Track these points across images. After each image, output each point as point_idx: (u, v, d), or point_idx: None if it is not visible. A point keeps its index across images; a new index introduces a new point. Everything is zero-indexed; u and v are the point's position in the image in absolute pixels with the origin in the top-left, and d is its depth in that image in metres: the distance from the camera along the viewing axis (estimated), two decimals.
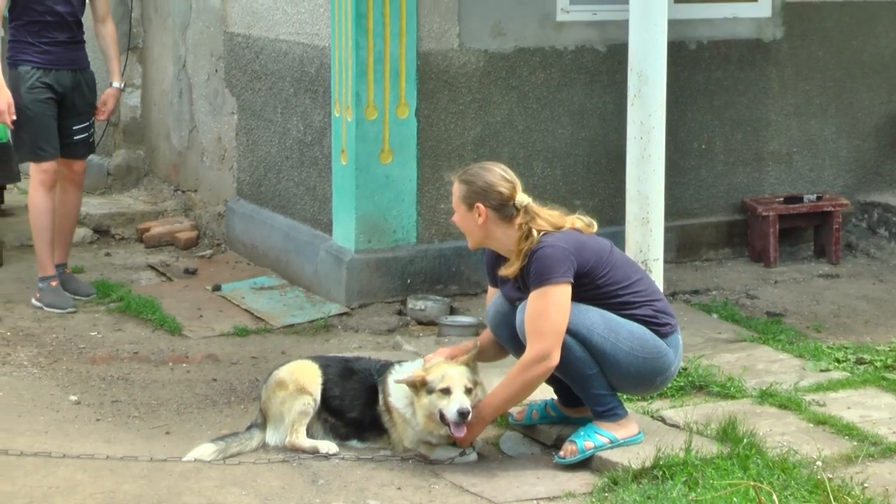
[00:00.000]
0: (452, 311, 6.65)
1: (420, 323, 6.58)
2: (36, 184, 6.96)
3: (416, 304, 6.63)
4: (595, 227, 4.87)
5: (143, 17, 9.05)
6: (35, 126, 6.85)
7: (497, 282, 4.97)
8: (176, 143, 8.70)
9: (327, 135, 6.93)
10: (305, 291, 7.02)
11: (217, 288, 7.16)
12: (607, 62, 7.15)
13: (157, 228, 8.27)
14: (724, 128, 7.57)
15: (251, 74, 7.65)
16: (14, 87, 6.79)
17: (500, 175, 4.81)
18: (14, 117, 6.73)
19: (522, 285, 4.77)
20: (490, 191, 4.77)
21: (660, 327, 4.81)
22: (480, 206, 4.77)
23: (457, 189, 4.83)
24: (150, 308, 6.79)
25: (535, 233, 4.72)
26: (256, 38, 7.57)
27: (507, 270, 4.79)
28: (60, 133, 6.97)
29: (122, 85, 7.46)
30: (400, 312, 6.68)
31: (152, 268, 7.70)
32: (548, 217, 4.79)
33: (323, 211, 7.04)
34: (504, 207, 4.77)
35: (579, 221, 4.85)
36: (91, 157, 9.13)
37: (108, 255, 8.03)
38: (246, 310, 6.83)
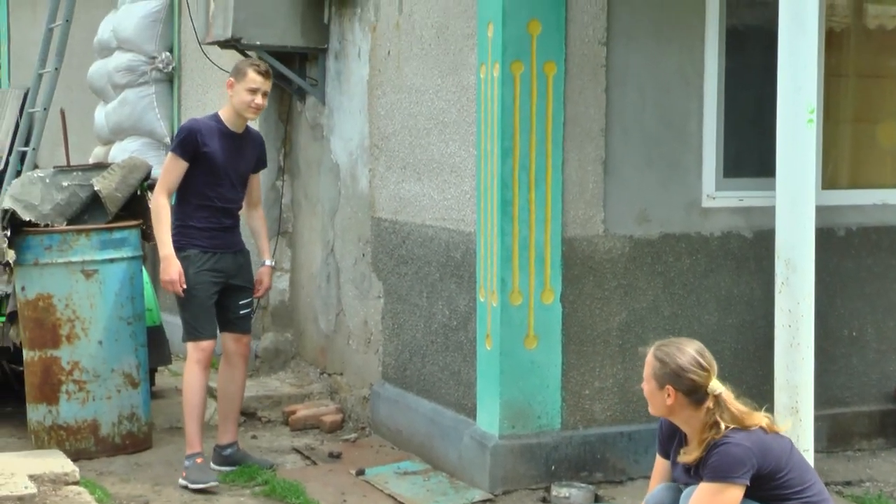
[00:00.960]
0: (598, 500, 6.55)
1: None
2: (192, 362, 7.16)
3: (561, 492, 6.55)
4: (781, 429, 4.80)
5: (293, 202, 9.26)
6: (197, 307, 7.11)
7: (667, 454, 4.93)
8: (323, 327, 8.80)
9: (472, 320, 6.96)
10: (449, 477, 6.98)
11: (361, 472, 7.15)
12: (754, 248, 7.11)
13: (302, 411, 8.33)
14: (875, 315, 7.44)
15: (397, 259, 7.75)
16: (183, 269, 7.05)
17: (694, 359, 4.75)
18: (185, 286, 7.01)
19: (695, 471, 4.71)
20: (682, 376, 4.72)
21: None
22: (670, 388, 4.71)
23: (651, 363, 4.78)
24: (294, 492, 6.79)
25: (721, 426, 4.66)
26: (403, 223, 7.68)
27: (686, 458, 4.73)
28: (227, 310, 7.26)
29: (273, 262, 7.73)
30: (544, 500, 6.59)
31: (297, 451, 7.72)
32: (738, 410, 4.73)
33: (467, 396, 7.03)
34: (695, 393, 4.72)
35: (766, 419, 4.77)
36: None
37: (254, 437, 8.08)
38: (390, 495, 6.79)
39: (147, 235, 8.06)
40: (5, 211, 7.59)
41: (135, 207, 8.08)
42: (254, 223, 7.53)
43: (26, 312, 7.64)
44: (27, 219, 7.60)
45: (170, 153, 7.17)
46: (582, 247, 6.83)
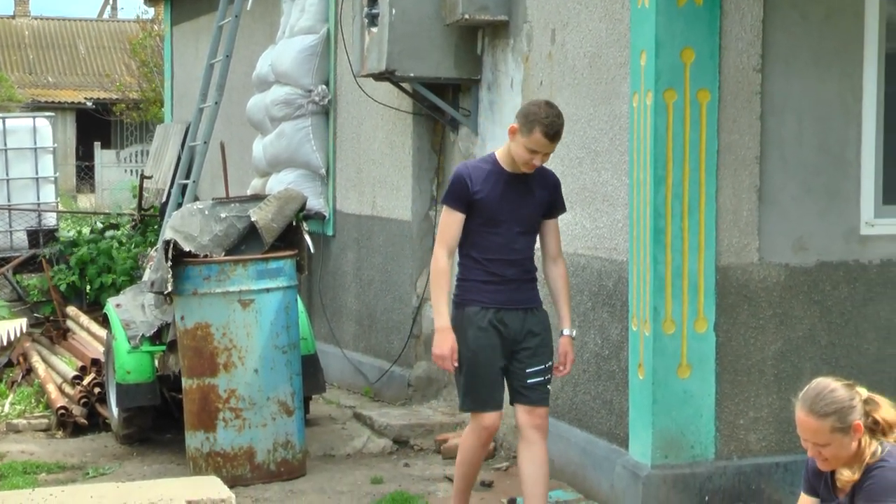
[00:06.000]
0: None
1: None
2: (470, 432, 6.35)
3: None
4: None
5: None
6: (477, 374, 6.22)
7: (814, 491, 4.86)
8: None
9: (624, 349, 6.92)
10: None
11: (512, 501, 7.15)
12: None
13: (454, 440, 8.31)
14: None
15: (546, 289, 7.72)
16: (461, 328, 6.23)
17: (843, 386, 4.69)
18: (456, 363, 6.21)
19: (847, 499, 4.64)
20: (855, 405, 4.64)
21: None
22: (858, 422, 4.61)
23: (822, 424, 4.60)
24: None
25: (881, 450, 4.60)
26: None
27: (846, 478, 4.63)
28: (515, 378, 6.30)
29: (574, 332, 6.50)
30: None
31: (449, 479, 7.71)
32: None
33: (620, 425, 6.98)
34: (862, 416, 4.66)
35: None
36: (393, 368, 9.45)
37: (406, 465, 8.12)
38: None
39: (301, 266, 8.17)
40: (167, 242, 7.75)
41: (290, 238, 8.20)
42: (552, 282, 6.46)
43: (185, 341, 7.79)
44: (187, 249, 7.76)
45: (444, 206, 6.34)
46: (736, 275, 6.74)
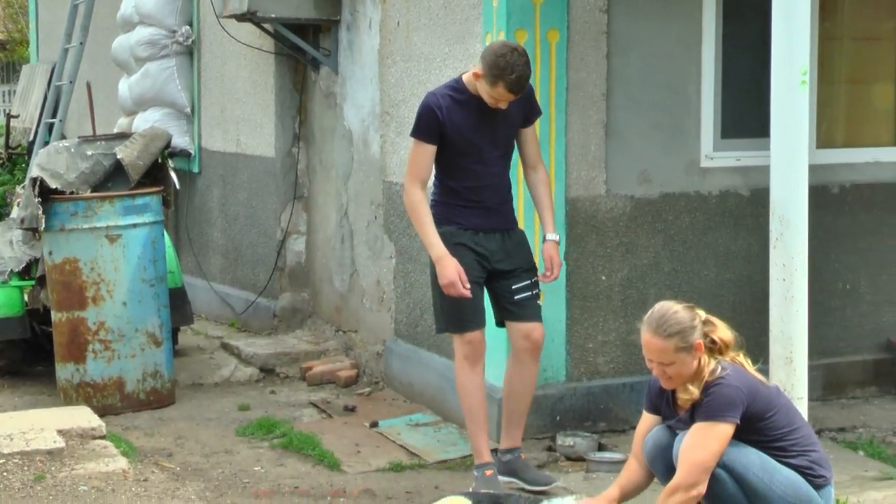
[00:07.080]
0: (601, 448, 6.79)
1: (569, 459, 6.73)
2: (460, 358, 6.17)
3: (566, 441, 6.79)
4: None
5: (308, 168, 9.51)
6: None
7: (656, 408, 5.16)
8: (338, 286, 9.08)
9: None
10: (459, 428, 7.22)
11: (375, 424, 7.43)
12: (751, 206, 7.34)
13: (319, 367, 8.61)
14: (868, 269, 7.68)
15: (408, 220, 7.94)
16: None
17: (685, 308, 4.98)
18: (468, 285, 6.02)
19: (691, 416, 4.92)
20: (696, 326, 4.93)
21: (814, 478, 4.92)
22: (698, 341, 4.91)
23: (667, 344, 4.88)
24: (310, 444, 7.07)
25: (719, 368, 4.89)
26: None
27: (687, 395, 4.91)
28: (500, 297, 6.24)
29: (557, 236, 6.37)
30: (549, 448, 6.84)
31: (314, 405, 8.01)
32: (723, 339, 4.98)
33: None
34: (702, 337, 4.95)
35: (747, 363, 5.03)
36: (259, 299, 9.67)
37: (272, 392, 8.38)
38: (402, 445, 7.06)
39: (167, 202, 8.33)
40: (34, 179, 7.86)
41: (156, 175, 8.35)
42: (533, 189, 6.35)
43: (54, 276, 7.93)
44: (53, 186, 7.86)
45: (412, 139, 6.16)
46: (585, 206, 7.05)
